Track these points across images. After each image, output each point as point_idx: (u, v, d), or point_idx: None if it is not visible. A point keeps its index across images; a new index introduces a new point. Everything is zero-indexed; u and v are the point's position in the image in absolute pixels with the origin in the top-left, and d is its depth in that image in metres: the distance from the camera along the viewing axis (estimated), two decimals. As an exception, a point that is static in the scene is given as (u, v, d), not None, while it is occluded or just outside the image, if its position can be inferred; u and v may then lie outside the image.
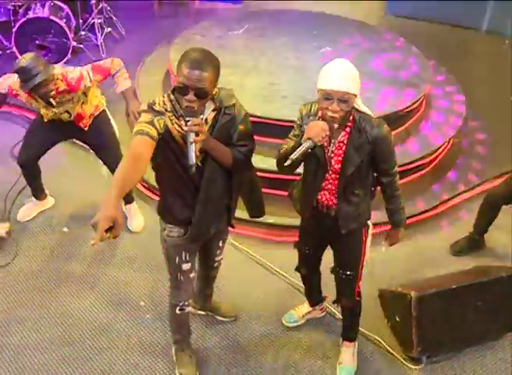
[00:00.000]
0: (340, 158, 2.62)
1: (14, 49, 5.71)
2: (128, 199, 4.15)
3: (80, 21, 6.15)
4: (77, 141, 4.20)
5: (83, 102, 3.70)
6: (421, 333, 3.19)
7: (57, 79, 3.47)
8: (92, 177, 4.54)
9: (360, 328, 3.29)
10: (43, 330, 3.35)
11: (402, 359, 3.31)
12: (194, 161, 2.31)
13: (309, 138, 2.46)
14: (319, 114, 2.59)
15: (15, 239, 3.95)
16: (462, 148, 5.16)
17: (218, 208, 2.67)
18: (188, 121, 2.29)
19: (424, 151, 4.63)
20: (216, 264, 3.09)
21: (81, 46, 6.04)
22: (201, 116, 2.38)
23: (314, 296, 3.43)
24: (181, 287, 2.84)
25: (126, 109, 3.68)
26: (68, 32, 5.68)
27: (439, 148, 4.77)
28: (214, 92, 2.39)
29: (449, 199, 4.53)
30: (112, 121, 3.99)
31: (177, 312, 2.93)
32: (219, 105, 2.43)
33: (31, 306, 3.50)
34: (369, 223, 2.88)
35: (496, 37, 7.36)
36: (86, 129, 3.84)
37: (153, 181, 2.74)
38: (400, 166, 4.34)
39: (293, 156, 2.46)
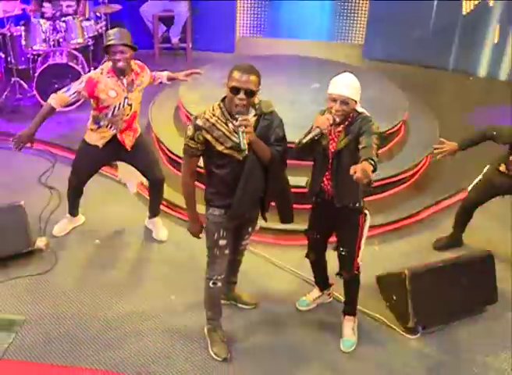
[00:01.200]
0: (335, 145, 3.26)
1: (35, 92, 6.33)
2: (155, 212, 4.72)
3: (92, 68, 6.81)
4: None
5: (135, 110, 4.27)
6: (415, 305, 3.77)
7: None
8: (116, 198, 5.12)
9: (362, 308, 3.85)
10: (83, 330, 3.85)
11: (400, 331, 3.86)
12: (245, 147, 3.00)
13: (317, 126, 3.13)
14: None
15: (53, 250, 4.47)
16: (438, 164, 5.82)
17: (254, 197, 3.28)
18: (239, 117, 2.97)
19: (407, 166, 5.30)
20: (242, 247, 3.67)
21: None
22: (245, 116, 3.03)
23: (322, 281, 3.99)
24: (216, 261, 3.42)
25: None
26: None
27: (418, 164, 5.45)
28: (256, 101, 3.07)
29: (430, 206, 5.17)
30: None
31: (211, 285, 3.48)
32: (260, 111, 3.12)
33: (71, 305, 4.00)
34: (366, 212, 3.50)
35: (461, 75, 8.19)
36: (129, 150, 4.39)
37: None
38: (386, 179, 5.04)
39: (304, 140, 3.15)
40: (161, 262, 4.44)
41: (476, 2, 7.76)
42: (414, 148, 5.65)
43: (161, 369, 3.53)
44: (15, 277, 4.19)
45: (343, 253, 3.55)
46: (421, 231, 4.97)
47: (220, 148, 3.10)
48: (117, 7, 6.98)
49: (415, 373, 3.58)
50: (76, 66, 6.30)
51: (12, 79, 6.47)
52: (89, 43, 6.66)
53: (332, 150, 3.30)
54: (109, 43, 3.93)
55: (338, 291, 4.00)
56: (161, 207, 4.92)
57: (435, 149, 4.28)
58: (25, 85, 6.58)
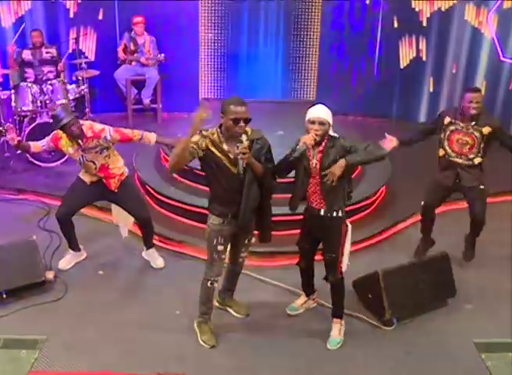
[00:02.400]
0: (319, 162, 3.96)
1: (24, 150, 6.85)
2: (149, 245, 5.27)
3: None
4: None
5: (106, 156, 4.82)
6: (389, 299, 4.41)
7: (83, 125, 4.67)
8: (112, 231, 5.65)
9: (346, 311, 4.46)
10: (100, 343, 4.32)
11: (378, 324, 4.48)
12: (242, 169, 3.78)
13: (304, 142, 3.83)
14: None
15: (62, 280, 4.94)
16: (396, 189, 6.61)
17: (253, 206, 3.94)
18: (238, 146, 3.70)
19: (367, 194, 6.06)
20: (241, 259, 4.28)
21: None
22: (243, 144, 3.75)
23: (309, 288, 4.60)
24: (214, 264, 4.06)
25: (168, 148, 5.07)
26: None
27: (376, 193, 6.24)
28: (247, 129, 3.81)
29: (393, 225, 5.91)
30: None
31: (209, 285, 4.11)
32: (252, 137, 3.83)
33: (85, 325, 4.47)
34: (348, 223, 4.17)
35: (404, 122, 9.12)
36: (116, 191, 5.00)
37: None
38: (355, 204, 5.72)
39: (295, 155, 3.84)
40: (161, 285, 4.96)
41: (411, 57, 8.82)
42: (372, 179, 6.41)
43: (174, 367, 4.02)
44: (31, 305, 4.62)
45: (327, 257, 4.19)
46: (383, 248, 5.66)
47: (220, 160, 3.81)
48: (95, 72, 7.68)
49: (395, 356, 4.17)
50: (62, 124, 6.89)
51: (1, 138, 6.97)
52: (71, 104, 7.29)
53: (318, 169, 3.98)
54: (61, 124, 4.58)
55: (323, 298, 4.61)
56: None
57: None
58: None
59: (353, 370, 4.08)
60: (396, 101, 9.19)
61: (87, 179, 4.92)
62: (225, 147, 3.82)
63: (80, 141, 4.70)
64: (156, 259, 5.26)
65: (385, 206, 6.32)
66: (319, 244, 4.34)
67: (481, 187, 5.10)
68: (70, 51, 8.15)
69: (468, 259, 5.32)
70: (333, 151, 3.94)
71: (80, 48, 8.40)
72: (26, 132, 6.74)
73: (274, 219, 4.30)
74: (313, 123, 3.91)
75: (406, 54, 8.88)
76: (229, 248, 4.23)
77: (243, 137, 3.86)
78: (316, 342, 4.31)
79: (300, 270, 4.53)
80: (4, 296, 4.63)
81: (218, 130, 3.86)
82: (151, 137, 4.92)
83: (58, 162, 6.97)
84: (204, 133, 3.81)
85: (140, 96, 8.50)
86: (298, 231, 4.79)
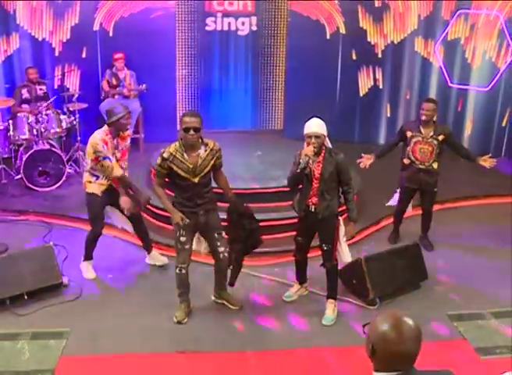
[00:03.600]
0: (320, 170, 4.65)
1: (22, 176, 7.33)
2: (150, 248, 5.82)
3: (65, 154, 7.92)
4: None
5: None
6: (372, 282, 5.08)
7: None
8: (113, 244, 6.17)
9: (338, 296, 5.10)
10: (119, 332, 4.83)
11: (364, 305, 5.13)
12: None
13: (306, 155, 4.51)
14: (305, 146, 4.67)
15: (76, 283, 5.42)
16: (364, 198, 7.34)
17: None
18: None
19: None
20: (221, 255, 4.86)
21: (72, 171, 7.82)
22: (199, 152, 4.48)
23: (302, 276, 5.23)
24: (179, 253, 4.76)
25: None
26: (64, 160, 7.48)
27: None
28: (202, 140, 4.55)
29: (367, 227, 6.63)
30: None
31: (177, 271, 4.81)
32: (209, 147, 4.57)
33: (102, 317, 4.99)
34: (340, 218, 4.85)
35: (365, 145, 9.95)
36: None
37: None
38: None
39: (301, 167, 4.53)
40: (162, 284, 5.49)
41: (369, 86, 9.73)
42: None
43: (191, 346, 4.56)
44: (50, 305, 5.10)
45: (326, 248, 4.84)
46: (359, 247, 6.34)
47: (180, 172, 4.52)
48: (84, 105, 8.25)
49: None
50: (57, 151, 7.44)
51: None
52: (64, 133, 7.84)
53: (318, 176, 4.66)
54: (120, 115, 5.20)
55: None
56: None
57: (359, 163, 5.83)
58: (9, 171, 7.57)
59: (345, 341, 4.70)
60: (357, 126, 9.99)
61: (98, 190, 5.41)
62: (185, 156, 4.51)
63: (119, 139, 5.29)
64: (159, 258, 5.84)
65: (361, 210, 7.00)
66: (313, 239, 4.99)
67: (435, 189, 6.12)
68: (56, 86, 8.77)
69: (428, 248, 6.11)
70: (332, 164, 4.66)
71: (65, 83, 8.99)
72: (25, 159, 7.22)
73: (265, 224, 5.21)
74: (310, 137, 4.61)
75: (364, 83, 9.75)
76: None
77: (202, 149, 4.54)
78: (313, 320, 4.93)
79: (296, 262, 5.17)
80: (25, 297, 5.09)
81: (180, 142, 4.55)
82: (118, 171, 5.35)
83: (54, 187, 7.46)
84: (165, 155, 4.52)
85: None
86: (284, 234, 5.54)
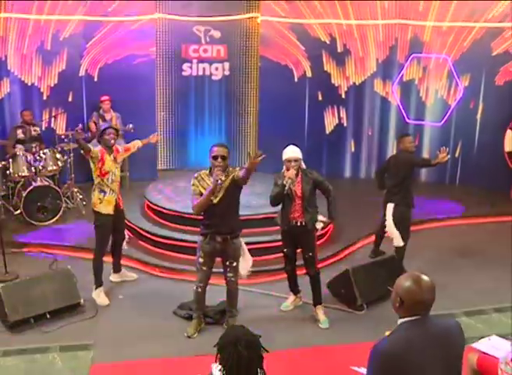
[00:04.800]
0: (300, 189, 5.38)
1: (21, 211, 7.77)
2: (119, 268, 6.42)
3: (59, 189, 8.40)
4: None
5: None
6: (359, 289, 5.78)
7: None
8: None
9: (326, 304, 5.75)
10: (135, 342, 5.35)
11: (352, 311, 5.81)
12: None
13: (289, 178, 5.24)
14: (284, 170, 5.39)
15: (91, 304, 5.91)
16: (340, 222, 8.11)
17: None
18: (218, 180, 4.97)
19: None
20: (228, 280, 5.40)
21: (69, 207, 8.31)
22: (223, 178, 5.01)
23: (295, 287, 5.88)
24: (197, 273, 5.33)
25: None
26: (61, 195, 7.98)
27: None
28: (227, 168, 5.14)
29: (345, 248, 7.38)
30: None
31: (194, 288, 5.35)
32: (231, 173, 5.13)
33: (117, 331, 5.49)
34: (318, 227, 5.57)
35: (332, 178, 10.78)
36: (120, 208, 6.11)
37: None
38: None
39: (287, 189, 5.22)
40: (175, 299, 6.05)
41: (334, 124, 10.62)
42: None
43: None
44: (70, 323, 5.58)
45: (307, 256, 5.55)
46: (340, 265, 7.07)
47: (204, 191, 5.11)
48: (75, 145, 8.76)
49: (369, 328, 5.48)
50: (55, 187, 7.95)
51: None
52: (59, 171, 8.37)
53: (300, 195, 5.39)
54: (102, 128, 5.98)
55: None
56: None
57: None
58: (9, 207, 8.02)
59: (341, 340, 5.35)
60: (324, 161, 10.72)
61: (108, 209, 5.90)
62: (208, 181, 5.12)
63: (112, 154, 5.88)
64: (128, 274, 6.49)
65: (337, 234, 7.77)
66: (297, 249, 5.67)
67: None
68: (43, 128, 9.30)
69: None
70: (309, 182, 5.41)
71: (52, 126, 9.54)
72: (24, 195, 7.69)
73: (253, 246, 5.91)
74: (289, 161, 5.36)
75: (330, 121, 10.64)
76: None
77: (224, 175, 5.05)
78: (307, 325, 5.58)
79: (287, 273, 5.82)
80: (48, 316, 5.55)
81: (209, 171, 5.19)
82: (137, 143, 6.32)
83: (51, 221, 7.93)
84: (195, 175, 5.21)
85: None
86: (274, 256, 6.25)
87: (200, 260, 5.29)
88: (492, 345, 3.88)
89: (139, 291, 6.32)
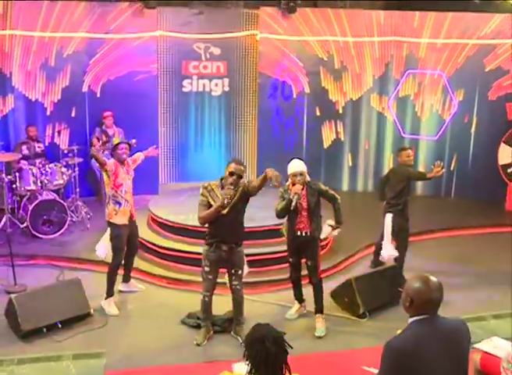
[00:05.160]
0: (306, 203, 5.57)
1: (28, 224, 7.92)
2: (129, 279, 6.58)
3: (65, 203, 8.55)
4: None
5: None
6: (361, 298, 5.95)
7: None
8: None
9: (330, 313, 5.92)
10: (145, 347, 5.50)
11: (355, 319, 5.97)
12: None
13: (295, 193, 5.41)
14: (289, 183, 5.58)
15: (100, 314, 6.05)
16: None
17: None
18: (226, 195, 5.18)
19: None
20: (234, 288, 5.56)
21: (74, 220, 8.46)
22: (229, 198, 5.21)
23: (300, 296, 6.04)
24: (203, 282, 5.47)
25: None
26: (67, 209, 8.14)
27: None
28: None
29: (346, 259, 7.55)
30: None
31: (201, 298, 5.49)
32: (242, 186, 5.32)
33: (127, 340, 5.63)
34: (321, 237, 5.77)
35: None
36: (133, 220, 6.31)
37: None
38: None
39: (294, 204, 5.37)
40: (181, 309, 6.20)
41: (332, 138, 10.85)
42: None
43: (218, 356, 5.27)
44: (81, 332, 5.71)
45: (310, 265, 5.72)
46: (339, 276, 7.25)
47: (213, 203, 5.27)
48: (79, 159, 8.96)
49: (372, 335, 5.65)
50: (61, 201, 8.11)
51: (5, 216, 7.99)
52: (64, 185, 8.53)
53: (306, 208, 5.57)
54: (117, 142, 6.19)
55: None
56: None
57: None
58: (15, 220, 8.15)
59: (345, 346, 5.51)
60: (322, 175, 10.91)
61: (123, 220, 6.09)
62: (221, 191, 5.29)
63: (125, 167, 6.11)
64: (137, 285, 6.65)
65: (337, 246, 7.94)
66: (302, 258, 5.85)
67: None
68: (47, 144, 9.48)
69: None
70: (314, 194, 5.60)
71: (55, 141, 9.71)
72: (31, 208, 7.84)
73: (257, 258, 6.31)
74: (295, 175, 5.54)
75: (328, 136, 10.88)
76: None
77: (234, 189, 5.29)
78: (313, 333, 5.75)
79: (292, 282, 5.98)
80: (59, 326, 5.69)
81: (220, 180, 5.35)
82: (140, 154, 6.49)
83: (57, 234, 8.08)
84: (205, 185, 5.36)
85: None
86: (276, 266, 6.42)
87: (206, 269, 5.45)
88: (493, 346, 4.05)
89: (147, 302, 6.46)
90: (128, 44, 9.83)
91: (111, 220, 6.10)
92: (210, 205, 5.29)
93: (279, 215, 5.67)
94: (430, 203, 10.07)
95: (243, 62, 10.64)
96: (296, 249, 5.82)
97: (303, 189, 5.56)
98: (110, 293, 6.19)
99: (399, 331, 2.94)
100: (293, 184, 5.55)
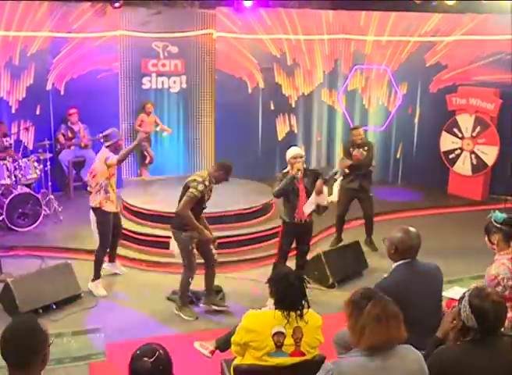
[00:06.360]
0: (303, 185, 6.12)
1: (4, 217, 8.16)
2: (114, 259, 7.00)
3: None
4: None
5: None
6: (330, 270, 6.60)
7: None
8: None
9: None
10: (139, 323, 5.96)
11: (325, 289, 6.62)
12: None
13: (298, 170, 5.98)
14: (288, 169, 6.16)
15: (88, 294, 6.45)
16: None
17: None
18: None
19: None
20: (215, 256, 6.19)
21: (48, 212, 8.74)
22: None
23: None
24: (192, 264, 6.00)
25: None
26: (42, 202, 8.42)
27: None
28: None
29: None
30: None
31: (190, 281, 6.02)
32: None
33: (120, 316, 6.08)
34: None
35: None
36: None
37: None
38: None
39: (296, 177, 5.97)
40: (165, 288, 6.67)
41: (286, 131, 11.48)
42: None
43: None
44: (73, 312, 6.11)
45: (306, 249, 6.34)
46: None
47: (206, 198, 5.87)
48: (49, 154, 9.21)
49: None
50: (35, 194, 8.38)
51: (-20, 211, 8.22)
52: (36, 179, 8.81)
53: (303, 188, 6.11)
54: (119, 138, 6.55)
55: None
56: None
57: None
58: (-11, 215, 8.38)
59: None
60: (277, 166, 11.32)
61: (113, 207, 6.51)
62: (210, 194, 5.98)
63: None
64: (120, 267, 7.10)
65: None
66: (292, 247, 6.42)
67: (371, 194, 7.80)
68: (12, 141, 9.67)
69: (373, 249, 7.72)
70: (310, 177, 6.16)
71: (21, 138, 9.91)
72: (7, 202, 8.09)
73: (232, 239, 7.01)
74: (296, 158, 6.10)
75: (282, 129, 11.48)
76: None
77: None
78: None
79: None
80: (53, 306, 6.06)
81: (209, 178, 5.90)
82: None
83: (32, 227, 8.35)
84: (207, 183, 5.86)
85: (79, 175, 10.09)
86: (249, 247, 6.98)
87: (195, 251, 6.02)
88: (454, 292, 4.74)
89: (131, 283, 6.91)
90: (90, 43, 10.11)
91: (102, 208, 6.45)
92: (200, 200, 5.85)
93: (279, 193, 6.12)
94: (378, 189, 10.84)
95: (200, 60, 11.11)
96: (293, 235, 6.29)
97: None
98: (97, 275, 6.58)
99: (385, 275, 3.57)
100: (293, 168, 6.09)
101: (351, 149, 7.80)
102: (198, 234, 5.89)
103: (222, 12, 10.78)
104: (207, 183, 5.84)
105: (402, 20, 10.84)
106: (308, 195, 6.13)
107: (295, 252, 6.44)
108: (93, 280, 6.58)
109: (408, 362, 2.66)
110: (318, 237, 8.43)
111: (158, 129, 10.80)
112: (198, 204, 5.86)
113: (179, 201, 5.85)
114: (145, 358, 2.61)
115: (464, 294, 2.88)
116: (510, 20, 9.71)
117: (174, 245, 6.11)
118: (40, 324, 2.43)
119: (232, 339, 3.55)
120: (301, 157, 6.16)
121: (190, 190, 5.77)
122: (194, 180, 5.84)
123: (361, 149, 7.69)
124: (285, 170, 6.27)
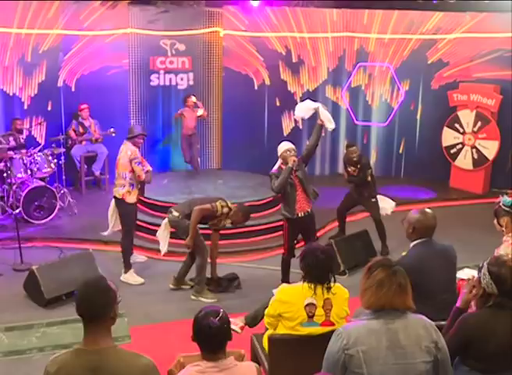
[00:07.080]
0: (296, 176, 6.39)
1: (21, 210, 8.38)
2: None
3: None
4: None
5: None
6: (341, 257, 6.86)
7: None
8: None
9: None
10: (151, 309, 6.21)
11: (337, 276, 6.83)
12: None
13: (294, 160, 6.23)
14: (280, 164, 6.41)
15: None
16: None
17: None
18: None
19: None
20: None
21: (63, 205, 8.97)
22: None
23: (287, 276, 6.69)
24: (205, 251, 6.39)
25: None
26: (57, 195, 8.65)
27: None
28: None
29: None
30: None
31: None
32: None
33: (148, 303, 6.33)
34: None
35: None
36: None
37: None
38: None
39: (294, 167, 6.22)
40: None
41: (291, 127, 11.73)
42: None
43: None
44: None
45: (313, 238, 6.53)
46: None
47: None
48: (62, 149, 9.46)
49: (352, 290, 6.54)
50: (50, 187, 8.61)
51: (-2, 205, 8.45)
52: (51, 173, 9.04)
53: (298, 179, 6.35)
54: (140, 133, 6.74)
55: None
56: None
57: None
58: (7, 208, 8.60)
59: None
60: None
61: (134, 199, 6.73)
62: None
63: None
64: (139, 256, 7.38)
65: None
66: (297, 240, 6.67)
67: (373, 200, 7.90)
68: (24, 137, 9.90)
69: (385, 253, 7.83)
70: (301, 166, 6.41)
71: (33, 133, 10.14)
72: (23, 195, 8.31)
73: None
74: (290, 151, 6.36)
75: (287, 125, 11.74)
76: None
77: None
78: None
79: (285, 262, 6.60)
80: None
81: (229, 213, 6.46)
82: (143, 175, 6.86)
83: (48, 219, 8.58)
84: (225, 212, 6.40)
85: (91, 169, 10.31)
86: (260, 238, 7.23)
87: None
88: (464, 274, 5.01)
89: (150, 272, 7.16)
90: (101, 41, 10.37)
91: (125, 200, 6.67)
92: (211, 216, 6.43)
93: (280, 188, 6.29)
94: (382, 182, 11.09)
95: (208, 57, 11.35)
96: (298, 230, 6.50)
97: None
98: (128, 265, 6.85)
99: (404, 253, 3.83)
100: (286, 163, 6.31)
101: (346, 166, 8.05)
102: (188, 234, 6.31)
103: (229, 10, 11.02)
104: (225, 211, 6.39)
105: (404, 18, 11.12)
106: (303, 186, 6.36)
107: (303, 244, 6.66)
108: (125, 272, 6.83)
109: (413, 327, 2.80)
110: (320, 232, 8.67)
111: (199, 114, 10.70)
112: (209, 218, 6.41)
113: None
114: (211, 318, 2.89)
115: (483, 263, 3.14)
116: (510, 18, 9.98)
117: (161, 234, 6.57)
118: (110, 284, 2.66)
119: (266, 312, 3.81)
120: (294, 150, 6.41)
121: (217, 203, 6.31)
122: (226, 205, 6.47)
123: (354, 167, 7.87)
124: (275, 167, 6.48)
